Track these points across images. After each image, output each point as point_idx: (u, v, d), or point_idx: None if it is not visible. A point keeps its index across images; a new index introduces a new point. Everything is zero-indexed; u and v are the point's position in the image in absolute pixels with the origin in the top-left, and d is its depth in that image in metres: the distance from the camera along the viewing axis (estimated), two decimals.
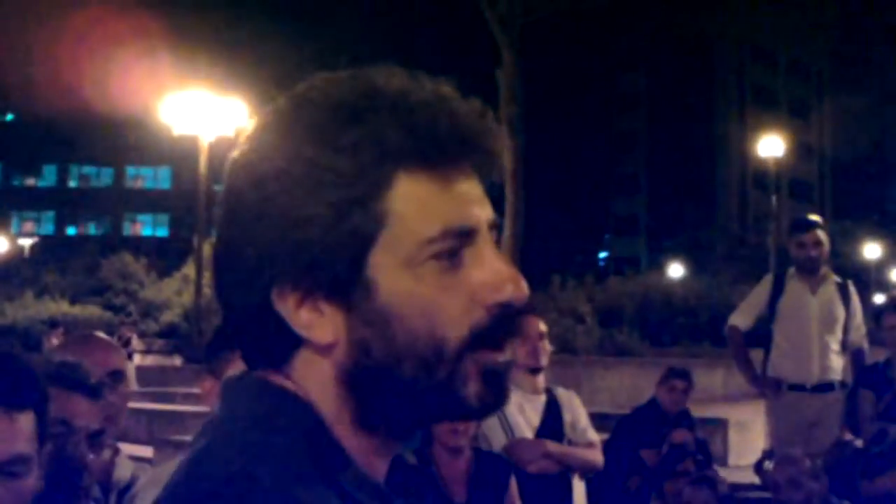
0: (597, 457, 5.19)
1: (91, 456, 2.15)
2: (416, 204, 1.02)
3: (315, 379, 1.04)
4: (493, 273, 1.03)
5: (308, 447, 1.00)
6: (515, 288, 1.04)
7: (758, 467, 6.97)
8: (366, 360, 1.02)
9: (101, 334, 3.05)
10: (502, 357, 1.05)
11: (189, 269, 31.41)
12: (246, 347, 1.08)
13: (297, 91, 1.07)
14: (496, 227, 1.08)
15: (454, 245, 1.02)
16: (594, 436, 5.29)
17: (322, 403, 1.03)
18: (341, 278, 1.01)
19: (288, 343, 1.04)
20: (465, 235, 1.03)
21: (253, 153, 1.05)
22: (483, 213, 1.06)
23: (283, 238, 1.01)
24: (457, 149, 1.04)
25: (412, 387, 1.02)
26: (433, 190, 1.03)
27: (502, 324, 1.04)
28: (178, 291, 34.36)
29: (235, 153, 1.07)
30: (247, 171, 1.04)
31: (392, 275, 1.01)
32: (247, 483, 0.95)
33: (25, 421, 1.65)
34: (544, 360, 5.14)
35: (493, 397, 1.05)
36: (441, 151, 1.03)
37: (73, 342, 3.01)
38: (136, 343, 25.06)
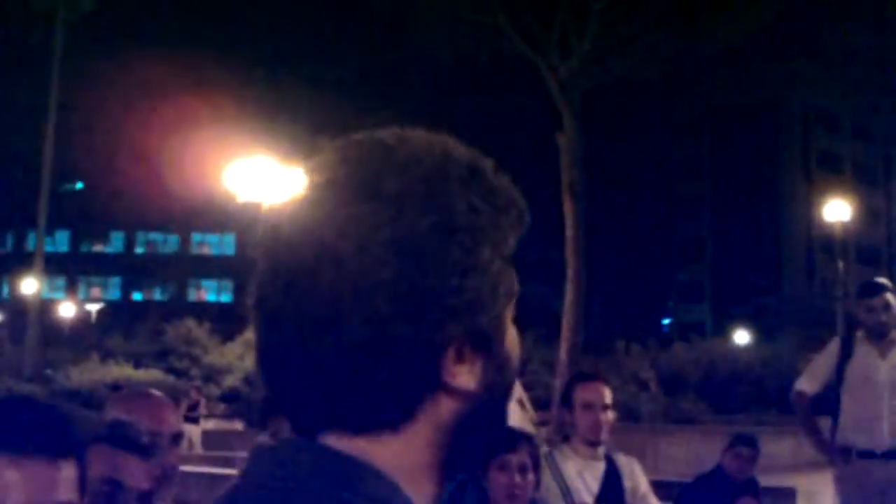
0: None
1: None
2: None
3: (428, 431, 1.03)
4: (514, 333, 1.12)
5: None
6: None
7: None
8: (488, 402, 1.06)
9: (158, 393, 3.00)
10: None
11: (251, 335, 31.58)
12: (332, 406, 1.02)
13: (375, 144, 1.06)
14: None
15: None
16: (655, 502, 5.18)
17: (418, 460, 1.03)
18: (494, 328, 1.05)
19: (413, 400, 1.01)
20: None
21: (362, 207, 1.01)
22: None
23: (464, 297, 1.01)
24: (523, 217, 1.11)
25: (497, 421, 1.12)
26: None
27: None
28: (241, 356, 34.64)
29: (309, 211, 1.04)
30: (385, 225, 1.00)
31: (509, 322, 1.09)
32: None
33: (68, 470, 1.63)
34: (605, 434, 5.05)
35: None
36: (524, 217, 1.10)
37: (132, 398, 2.95)
38: (203, 407, 25.20)
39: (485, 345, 1.03)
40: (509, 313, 1.07)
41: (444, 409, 1.02)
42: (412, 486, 1.02)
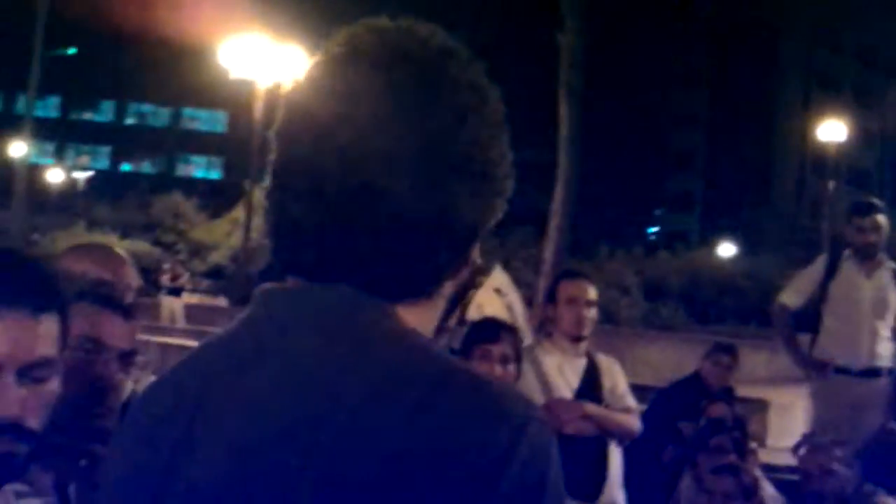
0: (634, 423, 5.12)
1: (121, 376, 2.10)
2: None
3: (442, 299, 1.14)
4: None
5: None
6: None
7: (796, 450, 6.87)
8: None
9: (122, 251, 2.84)
10: None
11: (238, 213, 31.65)
12: (393, 273, 1.09)
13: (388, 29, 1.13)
14: None
15: None
16: (633, 402, 5.22)
17: (434, 318, 1.15)
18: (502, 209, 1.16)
19: (443, 279, 1.13)
20: None
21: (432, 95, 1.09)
22: None
23: (507, 178, 1.14)
24: None
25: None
26: None
27: None
28: (228, 234, 34.70)
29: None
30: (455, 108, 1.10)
31: None
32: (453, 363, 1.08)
33: (50, 323, 1.60)
34: (587, 330, 5.07)
35: None
36: None
37: (94, 253, 2.79)
38: (185, 281, 25.29)
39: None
40: None
41: (459, 279, 1.14)
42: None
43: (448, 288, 1.13)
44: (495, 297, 7.62)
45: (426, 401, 1.00)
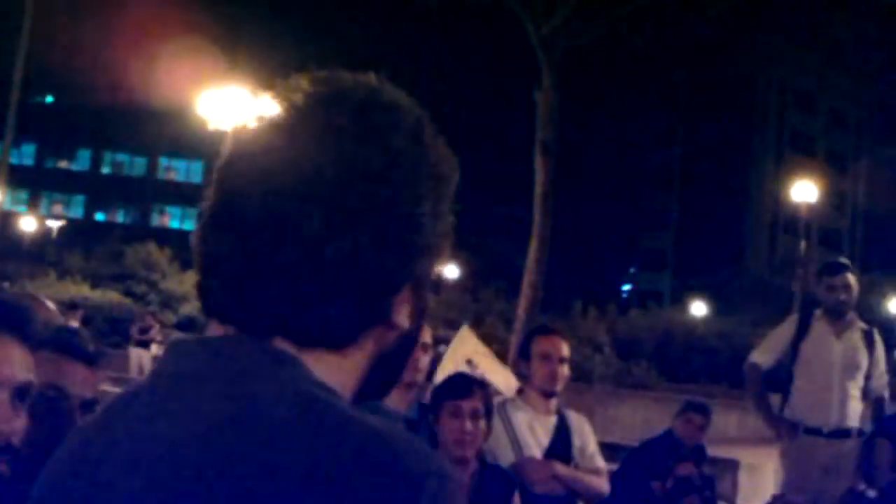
0: (603, 484, 5.10)
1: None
2: None
3: (357, 359, 1.11)
4: None
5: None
6: None
7: None
8: (403, 342, 1.15)
9: (46, 300, 2.79)
10: None
11: None
12: (288, 318, 1.07)
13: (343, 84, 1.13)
14: None
15: None
16: (602, 463, 5.20)
17: (351, 376, 1.11)
18: (429, 273, 1.14)
19: (361, 327, 1.09)
20: None
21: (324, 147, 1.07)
22: None
23: (440, 235, 1.12)
24: None
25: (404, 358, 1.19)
26: None
27: None
28: None
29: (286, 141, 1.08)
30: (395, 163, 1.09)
31: None
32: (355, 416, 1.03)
33: (27, 355, 1.69)
34: (560, 386, 5.06)
35: None
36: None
37: (44, 303, 2.75)
38: (156, 332, 25.10)
39: (419, 287, 1.12)
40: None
41: (379, 340, 1.11)
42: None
43: (369, 346, 1.10)
44: (466, 369, 7.55)
45: (321, 463, 0.97)
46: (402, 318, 1.10)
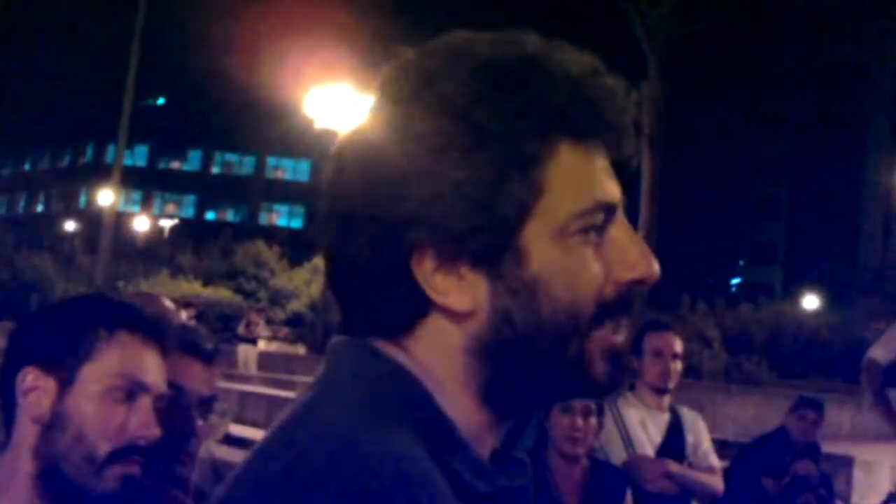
0: (718, 483, 5.02)
1: (200, 422, 2.11)
2: (572, 175, 1.00)
3: (441, 349, 1.01)
4: (629, 249, 1.03)
5: (413, 416, 0.96)
6: (648, 266, 1.03)
7: None
8: (507, 330, 0.99)
9: (166, 300, 2.80)
10: (621, 337, 1.03)
11: (319, 261, 31.81)
12: (364, 314, 1.03)
13: (433, 50, 1.04)
14: (625, 207, 1.07)
15: (602, 219, 1.01)
16: (716, 461, 5.12)
17: (444, 375, 1.01)
18: (493, 245, 0.98)
19: (411, 311, 1.01)
20: (610, 211, 1.02)
21: (393, 112, 1.01)
22: (618, 189, 1.05)
23: (436, 199, 0.97)
24: (606, 124, 1.03)
25: (546, 360, 1.00)
26: (584, 162, 1.02)
27: (626, 301, 1.03)
28: (308, 282, 35.00)
29: (367, 118, 1.05)
30: (391, 129, 1.00)
31: (544, 245, 0.99)
32: (342, 442, 0.91)
33: (164, 361, 1.84)
34: (673, 383, 4.99)
35: (618, 377, 1.04)
36: (594, 126, 1.02)
37: (158, 300, 2.77)
38: (262, 329, 25.52)
39: (488, 263, 0.99)
40: (544, 233, 0.99)
41: (448, 327, 1.01)
42: (447, 402, 0.99)
43: (452, 334, 1.00)
44: None
45: (280, 481, 0.90)
46: (454, 298, 1.00)
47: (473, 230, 0.97)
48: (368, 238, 0.99)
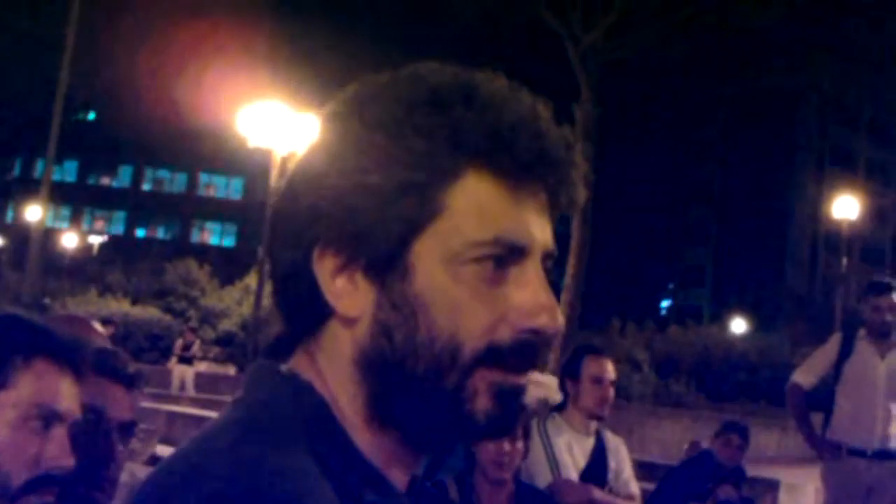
0: None
1: (120, 448, 2.08)
2: (475, 204, 0.99)
3: (336, 357, 1.02)
4: (531, 297, 1.00)
5: (308, 433, 0.97)
6: (550, 319, 1.00)
7: None
8: (385, 345, 0.99)
9: (92, 320, 2.77)
10: (518, 381, 1.01)
11: (251, 280, 31.67)
12: (284, 309, 1.06)
13: (387, 76, 1.07)
14: (552, 258, 1.05)
15: (501, 255, 0.99)
16: (636, 489, 5.17)
17: (337, 385, 1.02)
18: (382, 255, 0.99)
19: (319, 310, 1.02)
20: (515, 251, 1.00)
21: (330, 126, 1.05)
22: (541, 237, 1.03)
23: (339, 201, 0.99)
24: (533, 165, 1.01)
25: (421, 386, 0.99)
26: (497, 196, 1.00)
27: (526, 349, 1.00)
28: (239, 301, 34.67)
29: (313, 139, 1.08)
30: (321, 140, 1.04)
31: (432, 266, 0.99)
32: (230, 460, 0.92)
33: (78, 387, 1.79)
34: (608, 410, 5.03)
35: (503, 419, 1.01)
36: (516, 162, 1.00)
37: (82, 323, 2.74)
38: (197, 348, 25.24)
39: (377, 272, 0.99)
40: (434, 254, 0.98)
41: (341, 332, 1.02)
42: (341, 414, 1.00)
43: (345, 343, 1.01)
44: (531, 388, 7.44)
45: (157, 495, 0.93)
46: (346, 303, 1.01)
47: (367, 235, 0.98)
48: (282, 233, 1.04)
